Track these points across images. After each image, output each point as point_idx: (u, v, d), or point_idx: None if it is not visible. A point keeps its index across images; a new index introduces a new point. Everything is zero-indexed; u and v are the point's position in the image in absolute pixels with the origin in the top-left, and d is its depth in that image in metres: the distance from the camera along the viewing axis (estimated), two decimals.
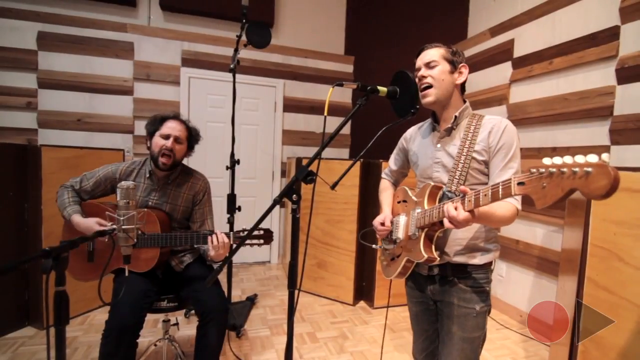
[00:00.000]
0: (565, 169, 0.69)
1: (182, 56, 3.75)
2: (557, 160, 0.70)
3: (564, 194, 0.70)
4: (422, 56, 1.24)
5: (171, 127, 1.77)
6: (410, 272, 1.29)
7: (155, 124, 1.78)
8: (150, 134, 1.78)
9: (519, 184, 0.81)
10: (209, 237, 1.60)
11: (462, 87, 1.27)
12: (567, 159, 0.69)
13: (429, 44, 1.26)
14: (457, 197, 1.01)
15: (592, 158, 0.65)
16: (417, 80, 1.25)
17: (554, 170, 0.71)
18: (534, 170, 0.76)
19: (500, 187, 0.87)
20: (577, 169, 0.66)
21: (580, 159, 0.67)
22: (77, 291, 2.54)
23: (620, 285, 1.49)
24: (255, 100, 4.11)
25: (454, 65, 1.22)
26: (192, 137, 1.85)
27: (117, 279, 1.75)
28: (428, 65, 1.22)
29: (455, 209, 0.98)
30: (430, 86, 1.21)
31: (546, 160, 0.73)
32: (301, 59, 4.21)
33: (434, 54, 1.22)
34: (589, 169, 0.65)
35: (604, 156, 0.64)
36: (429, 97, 1.22)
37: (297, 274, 1.18)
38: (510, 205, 1.10)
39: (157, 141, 1.74)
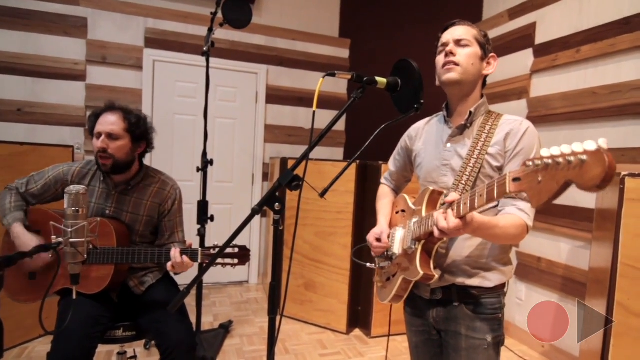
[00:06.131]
0: (560, 160, 0.70)
1: (145, 35, 3.73)
2: (555, 150, 0.72)
3: (559, 188, 0.70)
4: (452, 31, 1.25)
5: (102, 123, 1.71)
6: (407, 294, 1.30)
7: (90, 122, 1.75)
8: (91, 132, 1.76)
9: (514, 180, 0.82)
10: (172, 250, 1.62)
11: (485, 80, 1.30)
12: (565, 148, 0.70)
13: (461, 20, 1.27)
14: (455, 198, 1.02)
15: (590, 145, 0.66)
16: (441, 55, 1.24)
17: (550, 161, 0.72)
18: (530, 163, 0.77)
19: (496, 184, 0.88)
20: (572, 158, 0.67)
21: (577, 147, 0.68)
22: (14, 317, 2.49)
23: None
24: (233, 90, 4.10)
25: (484, 52, 1.24)
26: (133, 127, 1.76)
27: (63, 301, 1.73)
28: (459, 43, 1.22)
29: (445, 219, 0.99)
30: (457, 64, 1.21)
31: (544, 152, 0.74)
32: (288, 42, 4.22)
33: (466, 32, 1.23)
34: (584, 157, 0.66)
35: (601, 141, 0.65)
36: (453, 73, 1.21)
37: (280, 297, 1.18)
38: (516, 218, 1.11)
39: (94, 142, 1.72)
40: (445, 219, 0.99)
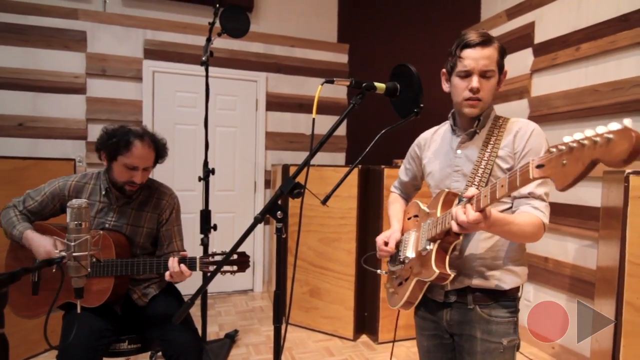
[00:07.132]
0: (585, 141, 0.73)
1: (144, 47, 3.76)
2: (578, 135, 0.75)
3: (584, 168, 0.73)
4: (478, 55, 1.17)
5: (139, 157, 1.71)
6: (420, 299, 1.30)
7: (119, 148, 1.70)
8: (111, 156, 1.73)
9: (537, 166, 0.84)
10: (170, 260, 1.63)
11: None
12: (588, 132, 0.73)
13: (485, 35, 1.18)
14: (474, 193, 1.02)
15: (614, 126, 0.69)
16: (463, 82, 1.21)
17: (574, 144, 0.75)
18: (553, 149, 0.80)
19: (518, 172, 0.90)
20: (598, 139, 0.71)
21: (601, 129, 0.71)
22: (19, 332, 2.50)
23: None
24: (233, 98, 4.13)
25: (500, 73, 1.24)
26: (158, 156, 1.84)
27: (67, 316, 1.74)
28: (484, 75, 1.19)
29: (464, 212, 1.00)
30: (480, 100, 1.21)
31: (566, 138, 0.77)
32: (286, 49, 4.24)
33: (491, 59, 1.19)
34: (610, 136, 0.69)
35: (626, 121, 0.68)
36: (476, 109, 1.23)
37: (285, 306, 1.18)
38: (533, 217, 1.13)
39: (122, 171, 1.72)
40: (465, 213, 1.00)
